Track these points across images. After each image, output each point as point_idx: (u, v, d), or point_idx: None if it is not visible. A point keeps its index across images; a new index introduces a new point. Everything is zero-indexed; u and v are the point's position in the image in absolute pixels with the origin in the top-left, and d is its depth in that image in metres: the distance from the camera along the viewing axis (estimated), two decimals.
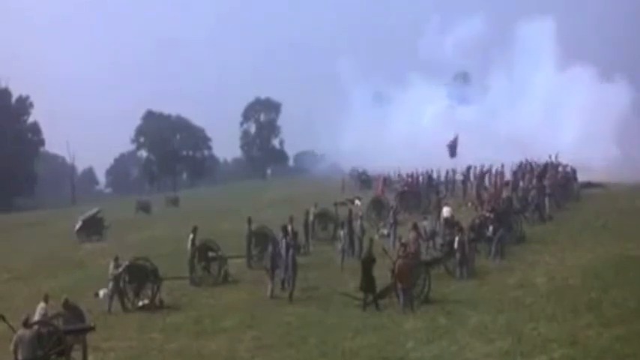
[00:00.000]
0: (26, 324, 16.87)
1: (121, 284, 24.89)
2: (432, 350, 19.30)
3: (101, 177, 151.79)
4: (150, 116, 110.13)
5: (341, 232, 30.54)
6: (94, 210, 48.17)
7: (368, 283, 23.59)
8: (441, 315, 22.29)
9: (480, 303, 23.31)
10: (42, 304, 19.32)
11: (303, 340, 20.72)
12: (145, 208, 63.05)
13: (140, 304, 24.91)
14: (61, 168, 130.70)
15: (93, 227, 45.47)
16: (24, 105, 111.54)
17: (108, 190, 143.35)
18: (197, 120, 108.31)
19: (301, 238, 31.69)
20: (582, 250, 28.25)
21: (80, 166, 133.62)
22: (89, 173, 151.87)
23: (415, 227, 27.66)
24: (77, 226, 45.22)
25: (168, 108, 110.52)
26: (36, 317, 18.12)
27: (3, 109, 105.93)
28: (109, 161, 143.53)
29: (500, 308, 22.41)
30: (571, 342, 18.92)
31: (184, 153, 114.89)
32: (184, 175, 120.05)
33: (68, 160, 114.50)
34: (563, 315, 21.29)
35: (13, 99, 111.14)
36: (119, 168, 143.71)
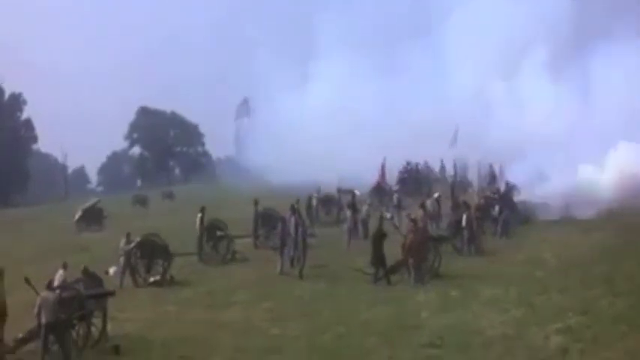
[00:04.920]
0: (49, 286, 16.94)
1: (133, 260, 24.94)
2: (447, 319, 19.49)
3: (92, 176, 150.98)
4: (144, 112, 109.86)
5: (348, 212, 30.76)
6: (94, 200, 48.10)
7: (378, 258, 23.75)
8: (453, 288, 22.48)
9: (490, 277, 23.54)
10: (61, 272, 19.39)
11: (317, 312, 20.87)
12: (141, 201, 63.01)
13: (151, 279, 24.98)
14: (53, 167, 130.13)
15: (93, 217, 45.42)
16: (17, 102, 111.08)
17: (100, 189, 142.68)
18: (192, 116, 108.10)
19: (305, 222, 31.74)
20: (589, 228, 28.50)
21: (71, 166, 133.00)
22: (81, 172, 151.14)
23: (422, 206, 27.88)
24: (77, 216, 45.11)
25: (163, 104, 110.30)
26: (56, 284, 18.14)
27: None
28: (100, 160, 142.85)
29: (511, 282, 22.62)
30: (584, 311, 19.21)
31: (178, 149, 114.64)
32: (177, 172, 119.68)
33: (60, 158, 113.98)
34: (574, 287, 21.59)
35: (6, 96, 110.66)
36: (111, 166, 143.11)
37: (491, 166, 40.04)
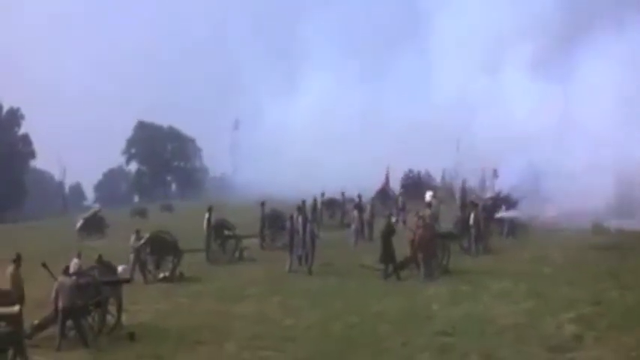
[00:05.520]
0: (66, 272, 17.02)
1: (142, 256, 25.00)
2: (458, 310, 19.60)
3: (89, 193, 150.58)
4: (141, 127, 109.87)
5: (355, 213, 30.94)
6: (95, 209, 48.02)
7: (388, 254, 23.88)
8: (463, 283, 22.66)
9: (498, 273, 23.77)
10: (75, 260, 19.46)
11: (328, 303, 20.93)
12: (140, 213, 63.07)
13: (161, 275, 25.03)
14: (49, 183, 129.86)
15: (94, 225, 45.32)
16: (15, 116, 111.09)
17: (96, 205, 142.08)
18: (190, 131, 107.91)
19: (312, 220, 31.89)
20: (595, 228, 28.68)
21: (67, 182, 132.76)
22: (77, 188, 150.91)
23: (429, 205, 28.08)
24: (78, 225, 44.99)
25: (160, 119, 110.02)
26: (71, 271, 18.19)
27: None
28: (96, 178, 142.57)
29: (520, 277, 22.84)
30: (595, 302, 19.43)
31: (175, 164, 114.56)
32: (173, 187, 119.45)
33: (58, 174, 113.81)
34: (583, 281, 21.84)
35: (4, 111, 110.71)
36: (108, 183, 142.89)
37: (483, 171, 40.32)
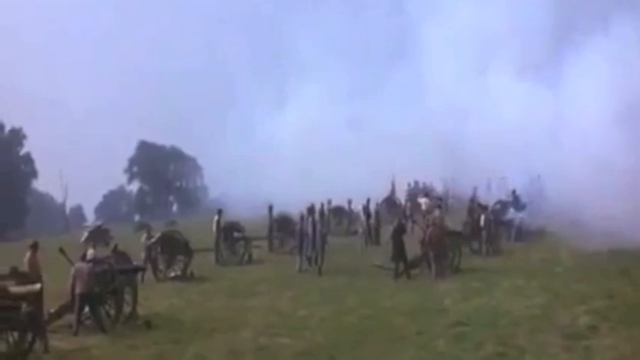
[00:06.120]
0: (83, 259, 17.10)
1: (153, 254, 25.06)
2: (471, 304, 19.59)
3: (89, 215, 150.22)
4: (143, 146, 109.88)
5: (363, 217, 31.06)
6: (98, 222, 47.99)
7: (399, 252, 23.93)
8: (474, 280, 22.69)
9: (509, 271, 23.83)
10: (91, 251, 19.42)
11: (340, 299, 20.95)
12: (145, 227, 62.80)
13: (172, 274, 25.06)
14: (51, 205, 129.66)
15: (99, 237, 45.29)
16: (17, 136, 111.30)
17: (99, 221, 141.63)
18: (191, 150, 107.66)
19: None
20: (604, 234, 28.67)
21: (68, 204, 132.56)
22: (78, 210, 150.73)
23: (439, 207, 28.19)
24: (83, 238, 44.99)
25: (162, 138, 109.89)
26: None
27: None
28: (97, 199, 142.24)
29: (532, 275, 22.87)
30: (608, 296, 19.40)
31: (177, 184, 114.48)
32: (175, 207, 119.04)
33: (58, 196, 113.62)
34: (594, 278, 21.84)
35: (6, 130, 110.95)
36: (108, 204, 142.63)
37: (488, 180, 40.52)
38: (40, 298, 14.69)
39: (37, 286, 14.57)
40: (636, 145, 28.31)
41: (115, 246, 19.62)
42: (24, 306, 14.33)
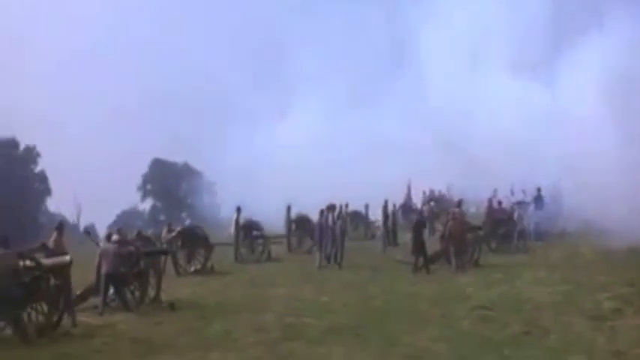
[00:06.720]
0: (109, 239, 17.23)
1: (174, 248, 25.15)
2: (494, 292, 19.59)
3: (102, 233, 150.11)
4: (157, 164, 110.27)
5: (381, 219, 31.13)
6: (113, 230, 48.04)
7: (419, 246, 23.96)
8: (495, 272, 22.69)
9: (531, 265, 23.80)
10: (115, 236, 19.59)
11: (362, 288, 20.98)
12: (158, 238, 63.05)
13: (192, 269, 25.15)
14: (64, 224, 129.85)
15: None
16: (31, 154, 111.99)
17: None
18: (202, 166, 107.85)
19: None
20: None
21: (82, 223, 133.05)
22: (91, 229, 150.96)
23: (459, 205, 28.15)
24: (101, 238, 45.17)
25: (175, 156, 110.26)
26: None
27: (9, 158, 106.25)
28: (110, 218, 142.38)
29: (553, 268, 22.87)
30: (630, 284, 19.36)
31: (189, 201, 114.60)
32: (187, 223, 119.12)
33: (71, 215, 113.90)
34: (616, 270, 21.78)
35: (21, 148, 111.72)
36: (121, 223, 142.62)
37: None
38: (68, 272, 14.80)
39: (67, 257, 14.67)
40: (632, 142, 28.36)
41: (139, 231, 19.74)
42: (52, 280, 14.45)
